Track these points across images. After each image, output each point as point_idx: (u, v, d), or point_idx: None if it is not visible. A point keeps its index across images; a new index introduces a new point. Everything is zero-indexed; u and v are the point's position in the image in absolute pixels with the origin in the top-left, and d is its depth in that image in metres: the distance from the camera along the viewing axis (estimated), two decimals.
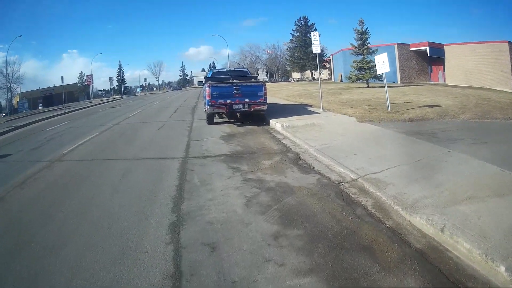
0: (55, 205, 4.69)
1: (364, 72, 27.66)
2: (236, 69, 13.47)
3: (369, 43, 28.45)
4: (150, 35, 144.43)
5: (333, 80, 50.88)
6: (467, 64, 30.38)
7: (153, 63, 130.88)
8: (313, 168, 5.76)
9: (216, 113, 11.16)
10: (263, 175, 5.40)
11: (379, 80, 27.04)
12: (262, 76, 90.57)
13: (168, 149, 7.96)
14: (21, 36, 59.48)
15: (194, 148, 7.82)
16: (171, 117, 14.53)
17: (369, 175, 4.99)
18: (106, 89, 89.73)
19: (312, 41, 11.94)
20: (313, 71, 61.69)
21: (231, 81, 10.65)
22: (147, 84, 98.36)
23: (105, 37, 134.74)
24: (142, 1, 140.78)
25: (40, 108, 49.21)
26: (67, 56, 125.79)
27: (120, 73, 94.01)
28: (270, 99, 18.94)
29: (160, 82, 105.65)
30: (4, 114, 44.62)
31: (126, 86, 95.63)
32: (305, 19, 60.93)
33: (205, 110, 11.12)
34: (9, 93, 47.51)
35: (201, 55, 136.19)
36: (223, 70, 13.37)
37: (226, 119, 11.98)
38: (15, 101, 52.16)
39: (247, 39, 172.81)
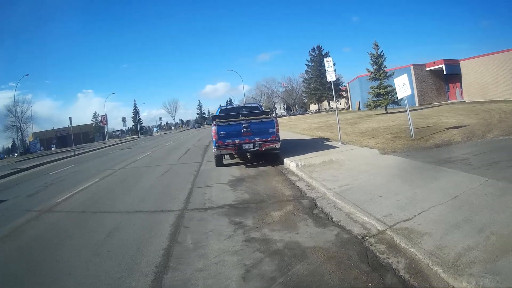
0: (26, 270, 4.15)
1: (382, 97, 26.86)
2: (246, 105, 12.96)
3: (385, 66, 27.79)
4: (166, 73, 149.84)
5: (350, 109, 50.35)
6: (484, 78, 29.51)
7: (168, 102, 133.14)
8: (331, 218, 4.87)
9: (225, 154, 10.50)
10: (270, 232, 4.55)
11: (398, 105, 26.48)
12: (280, 109, 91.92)
13: (167, 199, 7.24)
14: (28, 75, 62.82)
15: (195, 197, 7.11)
16: (180, 160, 13.99)
17: (399, 224, 4.10)
18: (122, 129, 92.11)
19: (326, 68, 11.37)
20: (330, 102, 61.37)
21: (239, 118, 10.09)
22: (163, 124, 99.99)
23: (120, 77, 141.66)
24: (157, 39, 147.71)
25: (53, 148, 50.42)
26: (82, 95, 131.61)
27: (136, 112, 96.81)
28: (287, 134, 18.53)
29: (177, 121, 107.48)
30: (17, 154, 46.38)
31: (143, 126, 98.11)
32: (319, 48, 60.86)
33: (214, 152, 10.53)
34: (19, 133, 49.07)
35: (218, 92, 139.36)
36: (232, 106, 12.91)
37: (237, 160, 11.33)
38: (28, 140, 53.82)
39: (263, 73, 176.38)
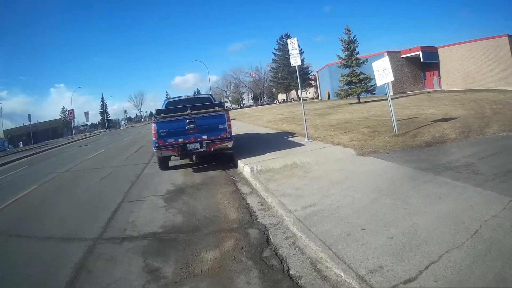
0: None
1: (355, 86, 25.62)
2: (196, 96, 10.98)
3: (357, 53, 26.37)
4: (136, 65, 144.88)
5: (320, 98, 49.46)
6: (466, 66, 28.90)
7: (134, 95, 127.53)
8: (288, 271, 3.14)
9: (167, 156, 8.48)
10: None
11: (372, 93, 25.38)
12: (248, 99, 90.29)
13: (87, 220, 5.56)
14: None
15: (119, 218, 5.45)
16: (127, 160, 11.91)
17: None
18: (92, 123, 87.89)
19: (290, 51, 9.57)
20: (298, 91, 60.18)
21: (182, 112, 8.11)
22: (127, 117, 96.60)
23: (91, 70, 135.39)
24: (127, 30, 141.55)
25: (20, 146, 47.30)
26: (55, 90, 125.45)
27: (104, 106, 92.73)
28: (248, 127, 16.69)
29: (145, 113, 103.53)
30: None
31: (111, 119, 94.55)
32: (288, 36, 58.69)
33: (155, 153, 8.51)
34: None
35: (188, 83, 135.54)
36: (180, 98, 10.82)
37: (186, 161, 9.35)
38: (1, 138, 49.87)
39: (233, 63, 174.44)
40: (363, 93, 25.23)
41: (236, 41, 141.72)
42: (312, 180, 5.62)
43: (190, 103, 10.33)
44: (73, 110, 61.50)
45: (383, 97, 27.25)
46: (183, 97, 10.71)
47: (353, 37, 26.35)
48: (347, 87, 26.21)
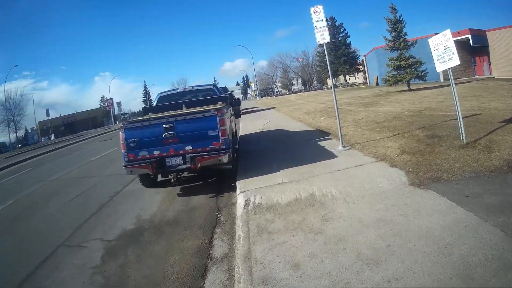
0: None
1: (404, 71, 21.93)
2: (195, 88, 8.71)
3: (405, 34, 22.49)
4: (183, 52, 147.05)
5: (368, 83, 45.59)
6: None
7: (176, 81, 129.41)
8: None
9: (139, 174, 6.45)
10: None
11: (423, 80, 21.76)
12: (297, 85, 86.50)
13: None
14: (17, 66, 59.52)
15: (34, 278, 3.95)
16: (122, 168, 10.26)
17: None
18: (133, 111, 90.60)
19: (314, 23, 6.97)
20: (346, 76, 57.55)
21: (159, 115, 6.02)
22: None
23: (136, 58, 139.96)
24: (172, 18, 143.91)
25: (51, 138, 48.54)
26: (99, 79, 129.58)
27: (146, 93, 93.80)
28: (282, 121, 14.24)
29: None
30: (19, 146, 44.70)
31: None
32: (332, 19, 55.24)
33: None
34: (13, 126, 46.73)
35: (238, 69, 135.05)
36: (175, 91, 8.68)
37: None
38: (37, 129, 52.11)
39: (280, 49, 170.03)
40: (413, 79, 21.66)
41: (282, 27, 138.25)
42: (329, 244, 3.15)
43: (187, 97, 8.24)
44: (111, 99, 60.62)
45: (435, 84, 23.87)
46: (178, 90, 8.57)
47: (400, 16, 22.41)
48: (395, 72, 22.59)
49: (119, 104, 60.82)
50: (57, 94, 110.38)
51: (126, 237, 4.64)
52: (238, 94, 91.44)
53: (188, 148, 5.64)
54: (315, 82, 75.10)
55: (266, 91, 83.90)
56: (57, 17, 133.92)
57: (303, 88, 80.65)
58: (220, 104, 7.32)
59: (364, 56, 47.11)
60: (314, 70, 69.35)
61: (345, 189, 4.42)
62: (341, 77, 58.72)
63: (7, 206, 7.76)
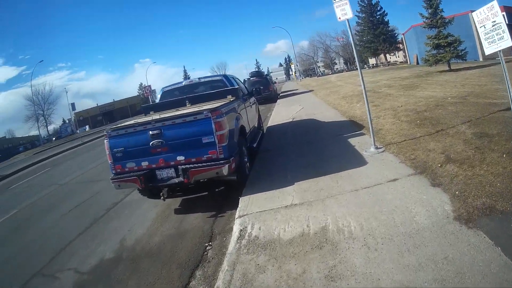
0: None
1: (443, 50, 19.96)
2: (202, 80, 7.54)
3: (441, 10, 20.39)
4: (222, 36, 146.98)
5: (408, 62, 43.58)
6: None
7: (216, 65, 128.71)
8: None
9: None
10: None
11: (462, 59, 20.12)
12: (339, 64, 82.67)
13: None
14: (42, 61, 61.01)
15: None
16: None
17: None
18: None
19: None
20: (386, 55, 55.52)
21: (146, 119, 5.13)
22: None
23: (177, 44, 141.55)
24: (212, 4, 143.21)
25: (86, 129, 49.78)
26: (139, 66, 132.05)
27: (186, 79, 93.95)
28: (315, 108, 13.26)
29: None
30: (54, 138, 46.80)
31: None
32: None
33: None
34: (43, 120, 48.52)
35: (279, 50, 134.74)
36: (179, 85, 7.65)
37: None
38: (74, 119, 53.70)
39: (320, 29, 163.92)
40: (453, 58, 19.76)
41: (321, 7, 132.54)
42: None
43: (192, 91, 7.26)
44: (149, 86, 61.76)
45: (475, 63, 21.98)
46: (183, 83, 7.57)
47: None
48: (435, 51, 20.60)
49: (154, 91, 61.59)
50: (96, 84, 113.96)
51: (99, 270, 3.98)
52: (280, 76, 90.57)
53: (180, 158, 4.72)
54: (356, 61, 71.73)
55: (308, 72, 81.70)
56: (95, 5, 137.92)
57: (345, 67, 78.07)
58: (227, 99, 6.29)
59: (403, 34, 45.39)
60: (356, 50, 66.75)
61: (369, 222, 3.24)
62: (382, 56, 56.60)
63: (8, 218, 7.55)
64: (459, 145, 4.78)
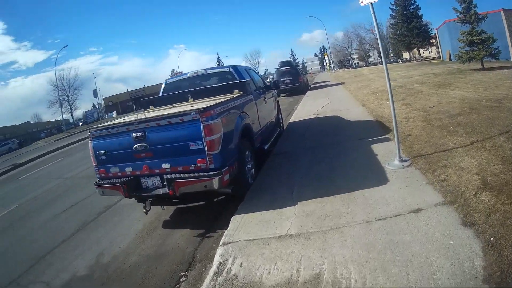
0: None
1: (477, 47, 18.70)
2: (209, 72, 6.71)
3: (475, 6, 19.12)
4: (257, 24, 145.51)
5: (441, 58, 41.94)
6: None
7: (249, 53, 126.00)
8: None
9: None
10: None
11: (495, 58, 19.05)
12: (374, 57, 79.45)
13: None
14: (67, 46, 60.58)
15: None
16: None
17: None
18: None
19: None
20: (420, 49, 54.33)
21: (130, 119, 4.52)
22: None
23: (212, 30, 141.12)
24: None
25: (113, 115, 49.29)
26: (174, 51, 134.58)
27: (220, 66, 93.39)
28: (343, 103, 12.52)
29: (262, 72, 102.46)
30: (81, 124, 47.46)
31: None
32: None
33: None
34: (67, 106, 49.05)
35: (315, 40, 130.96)
36: (184, 77, 6.87)
37: None
38: (104, 105, 53.60)
39: (357, 20, 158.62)
40: (485, 56, 18.69)
41: None
42: None
43: (198, 83, 6.56)
44: (181, 72, 61.87)
45: (508, 63, 21.00)
46: (188, 75, 6.82)
47: None
48: (468, 48, 19.35)
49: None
50: (129, 68, 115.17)
51: None
52: (315, 66, 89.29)
53: (166, 166, 4.11)
54: (391, 55, 69.12)
55: (343, 63, 79.45)
56: None
57: (379, 60, 75.14)
58: (234, 93, 5.57)
59: (436, 29, 43.80)
60: (389, 43, 64.70)
61: (375, 275, 2.46)
62: (415, 50, 55.20)
63: (6, 213, 7.40)
64: (497, 164, 3.83)
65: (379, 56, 76.30)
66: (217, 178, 3.86)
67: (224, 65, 8.56)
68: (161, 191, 4.13)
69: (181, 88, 6.45)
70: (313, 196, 4.06)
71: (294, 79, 20.85)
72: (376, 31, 5.21)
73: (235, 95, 5.39)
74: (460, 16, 20.12)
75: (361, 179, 4.28)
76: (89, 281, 3.64)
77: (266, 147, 6.29)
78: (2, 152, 38.80)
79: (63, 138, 29.20)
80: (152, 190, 4.23)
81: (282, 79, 20.45)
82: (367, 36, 72.84)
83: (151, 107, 6.31)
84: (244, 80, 5.91)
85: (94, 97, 35.60)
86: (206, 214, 4.71)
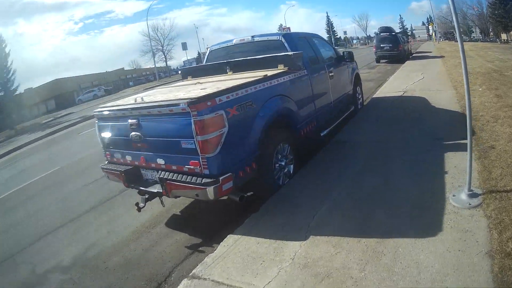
0: None
1: None
2: (256, 40, 5.54)
3: None
4: None
5: None
6: None
7: (358, 15, 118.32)
8: None
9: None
10: None
11: None
12: (476, 34, 70.53)
13: None
14: None
15: None
16: None
17: None
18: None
19: None
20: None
21: (125, 103, 3.90)
22: (346, 37, 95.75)
23: None
24: None
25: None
26: (285, 7, 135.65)
27: (329, 25, 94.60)
28: (435, 83, 10.48)
29: (371, 35, 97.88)
30: (176, 72, 48.50)
31: (338, 38, 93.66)
32: None
33: None
34: (162, 55, 49.40)
35: (423, 9, 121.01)
36: (230, 44, 5.73)
37: None
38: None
39: None
40: None
41: None
42: None
43: (243, 52, 5.52)
44: (288, 28, 53.77)
45: None
46: (233, 42, 5.77)
47: None
48: None
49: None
50: (238, 20, 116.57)
51: (46, 276, 3.60)
52: (423, 35, 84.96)
53: (160, 162, 3.52)
54: (491, 34, 62.66)
55: (448, 35, 71.82)
56: None
57: (480, 37, 70.77)
58: (278, 69, 4.50)
59: None
60: (489, 22, 60.32)
61: None
62: None
63: (5, 196, 7.28)
64: None
65: (481, 33, 71.19)
66: (211, 188, 3.11)
67: (275, 32, 7.30)
68: (157, 188, 3.58)
69: (225, 57, 5.61)
70: (334, 231, 3.01)
71: (393, 46, 19.87)
72: (452, 9, 3.55)
73: (279, 71, 4.38)
74: None
75: (407, 218, 3.03)
76: (67, 273, 3.53)
77: (323, 133, 5.25)
78: (87, 99, 39.72)
79: (147, 88, 29.57)
80: (152, 184, 3.71)
81: (381, 45, 20.11)
82: (469, 12, 68.55)
83: (189, 77, 5.67)
84: (289, 53, 4.72)
85: (183, 50, 35.29)
86: (219, 215, 4.10)
